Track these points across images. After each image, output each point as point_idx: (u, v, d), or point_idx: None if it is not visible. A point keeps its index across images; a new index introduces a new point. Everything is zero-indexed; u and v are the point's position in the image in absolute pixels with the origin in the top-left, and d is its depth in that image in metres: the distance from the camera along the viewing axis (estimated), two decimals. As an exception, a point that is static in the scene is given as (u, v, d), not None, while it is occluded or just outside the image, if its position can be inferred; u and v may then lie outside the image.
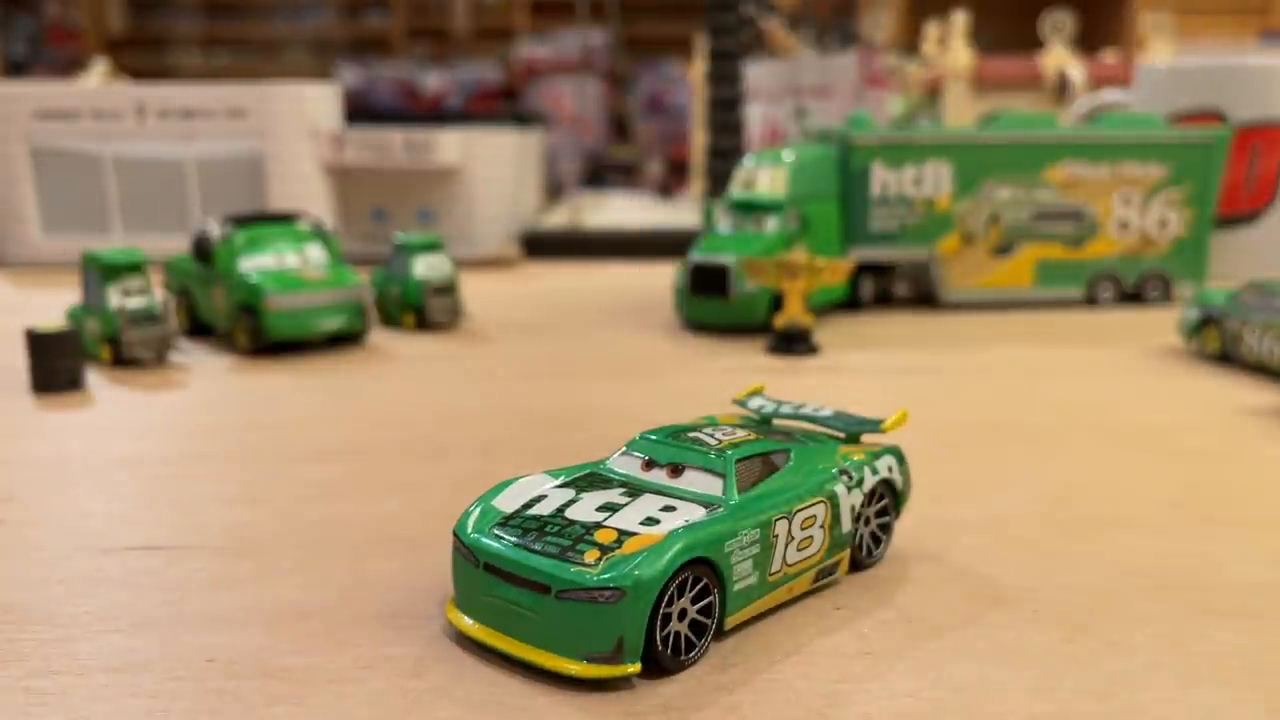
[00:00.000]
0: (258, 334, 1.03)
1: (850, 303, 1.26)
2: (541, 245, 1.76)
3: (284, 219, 1.15)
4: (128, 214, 1.64)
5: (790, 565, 0.48)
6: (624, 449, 0.52)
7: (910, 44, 2.96)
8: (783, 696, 0.42)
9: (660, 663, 0.43)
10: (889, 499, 0.55)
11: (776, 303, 1.09)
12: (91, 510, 0.64)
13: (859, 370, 0.99)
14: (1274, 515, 0.63)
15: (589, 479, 0.50)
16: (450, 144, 1.62)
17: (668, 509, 0.46)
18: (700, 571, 0.44)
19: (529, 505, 0.48)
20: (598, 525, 0.45)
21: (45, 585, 0.53)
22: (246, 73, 3.74)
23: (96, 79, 2.27)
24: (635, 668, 0.42)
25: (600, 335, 1.16)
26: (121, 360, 0.99)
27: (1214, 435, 0.78)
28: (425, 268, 1.17)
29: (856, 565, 0.53)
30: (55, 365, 0.90)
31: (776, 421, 0.59)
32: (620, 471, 0.51)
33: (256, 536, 0.59)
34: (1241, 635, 0.48)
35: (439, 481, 0.69)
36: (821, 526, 0.50)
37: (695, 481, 0.49)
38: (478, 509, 0.48)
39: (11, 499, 0.66)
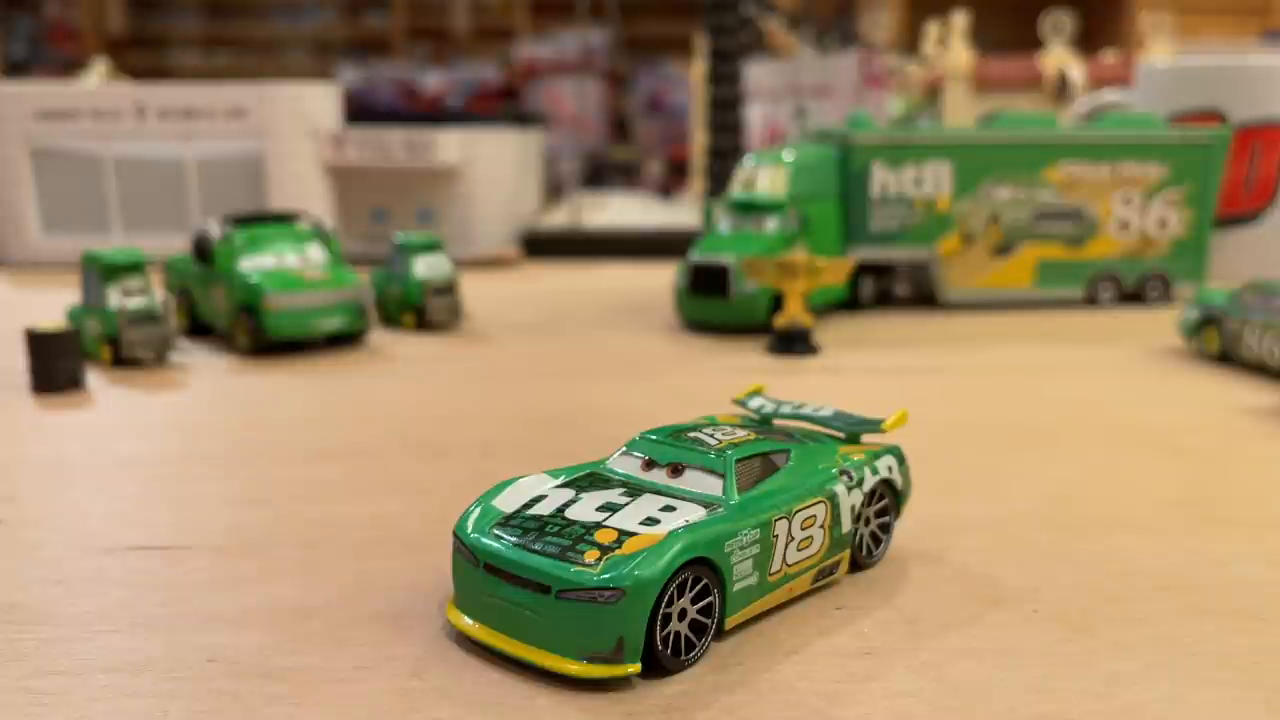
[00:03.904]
0: (258, 334, 1.03)
1: (850, 303, 1.26)
2: (541, 245, 1.76)
3: (284, 219, 1.15)
4: (128, 214, 1.64)
5: (790, 565, 0.48)
6: (624, 449, 0.52)
7: (910, 44, 2.96)
8: (783, 696, 0.42)
9: (660, 663, 0.43)
10: (889, 499, 0.55)
11: (776, 303, 1.09)
12: (91, 510, 0.64)
13: (859, 370, 0.99)
14: (1274, 515, 0.63)
15: (589, 479, 0.50)
16: (450, 144, 1.62)
17: (668, 509, 0.46)
18: (700, 571, 0.44)
19: (529, 505, 0.48)
20: (598, 525, 0.45)
21: (45, 585, 0.53)
22: (246, 73, 3.74)
23: (96, 79, 2.27)
24: (635, 668, 0.42)
25: (600, 335, 1.16)
26: (121, 360, 0.99)
27: (1214, 435, 0.78)
28: (425, 268, 1.17)
29: (856, 565, 0.53)
30: (55, 365, 0.90)
31: (776, 421, 0.59)
32: (620, 471, 0.51)
33: (256, 536, 0.59)
34: (1241, 635, 0.48)
35: (439, 481, 0.69)
36: (821, 526, 0.50)
37: (695, 481, 0.48)
38: (478, 509, 0.48)
39: (12, 499, 0.66)
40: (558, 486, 0.49)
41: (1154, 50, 2.31)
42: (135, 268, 1.01)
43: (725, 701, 0.42)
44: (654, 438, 0.52)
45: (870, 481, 0.53)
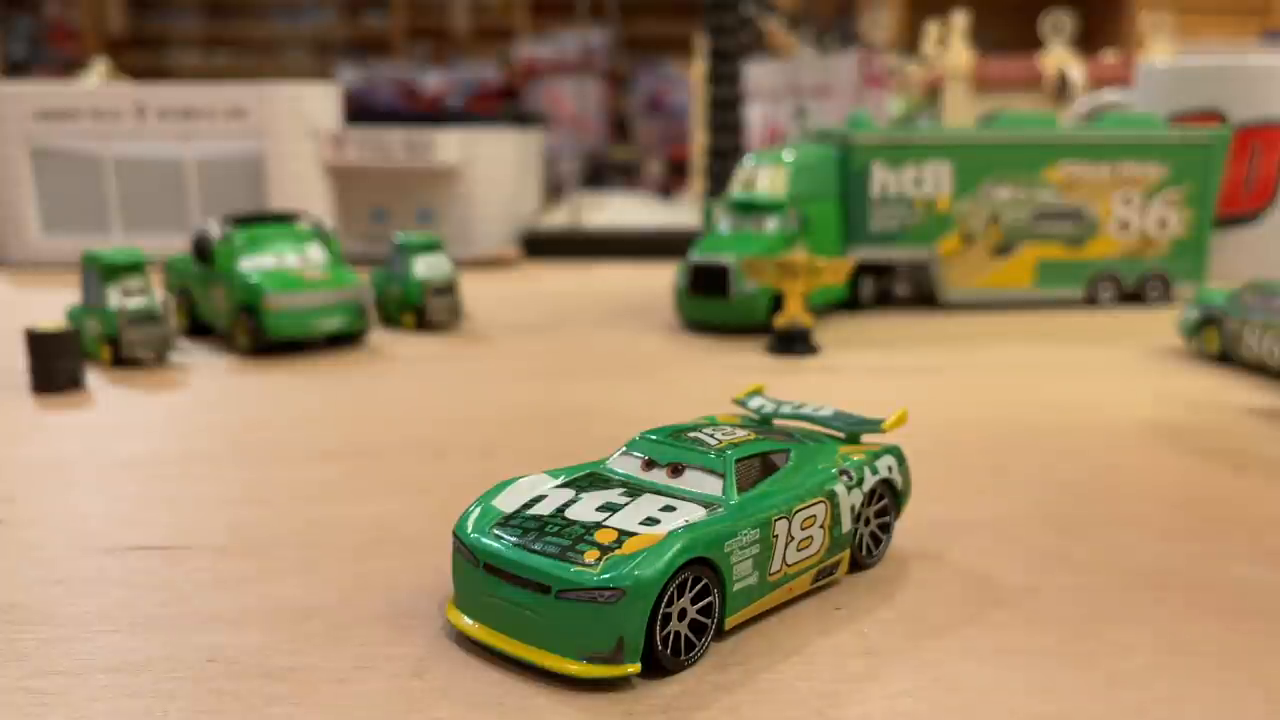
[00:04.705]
0: (258, 334, 1.03)
1: (850, 303, 1.26)
2: (541, 245, 1.76)
3: (284, 219, 1.15)
4: (128, 214, 1.64)
5: (790, 565, 0.48)
6: (624, 449, 0.52)
7: (910, 44, 2.96)
8: (783, 696, 0.42)
9: (660, 663, 0.43)
10: (889, 499, 0.55)
11: (776, 303, 1.09)
12: (91, 510, 0.64)
13: (859, 370, 0.99)
14: (1274, 515, 0.63)
15: (589, 479, 0.50)
16: (450, 144, 1.62)
17: (668, 509, 0.46)
18: (700, 571, 0.44)
19: (529, 505, 0.48)
20: (598, 525, 0.45)
21: (45, 585, 0.53)
22: (246, 73, 3.75)
23: (96, 79, 2.27)
24: (635, 668, 0.42)
25: (600, 335, 1.16)
26: (121, 360, 0.99)
27: (1214, 435, 0.78)
28: (425, 268, 1.17)
29: (856, 565, 0.53)
30: (55, 365, 0.90)
31: (776, 421, 0.59)
32: (620, 471, 0.51)
33: (256, 536, 0.59)
34: (1241, 635, 0.48)
35: (439, 481, 0.69)
36: (821, 526, 0.50)
37: (695, 481, 0.48)
38: (478, 509, 0.48)
39: (12, 499, 0.66)
40: (558, 486, 0.49)
41: (1154, 50, 2.31)
42: (135, 268, 1.01)
43: (725, 701, 0.42)
44: (654, 438, 0.52)
45: (870, 481, 0.53)
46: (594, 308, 1.31)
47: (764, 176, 1.19)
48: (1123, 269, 1.29)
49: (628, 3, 4.07)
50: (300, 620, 0.49)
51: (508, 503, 0.48)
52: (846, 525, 0.51)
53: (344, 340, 1.10)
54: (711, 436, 0.51)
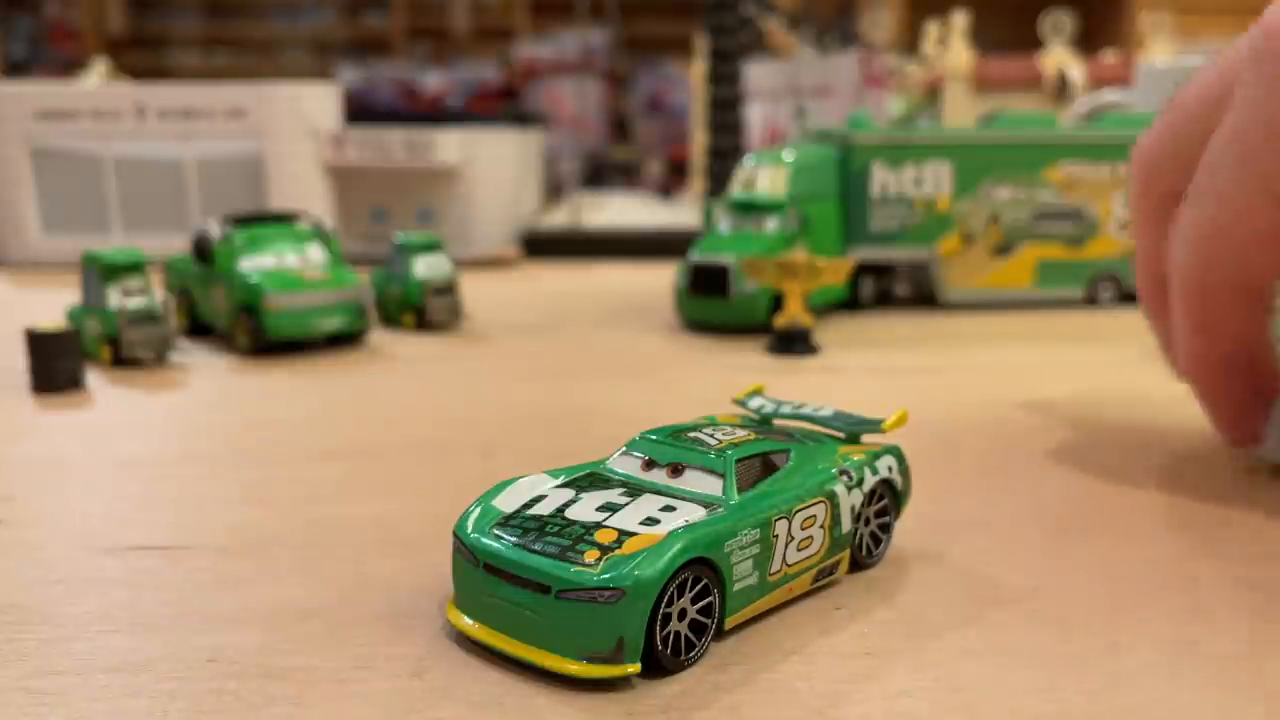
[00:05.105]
0: (258, 334, 1.03)
1: (850, 303, 1.26)
2: (541, 245, 1.76)
3: (284, 219, 1.15)
4: (128, 214, 1.64)
5: (790, 565, 0.48)
6: (624, 449, 0.52)
7: (910, 44, 2.96)
8: (783, 696, 0.42)
9: (660, 663, 0.43)
10: (889, 499, 0.55)
11: (776, 303, 1.09)
12: (91, 510, 0.64)
13: (859, 370, 0.99)
14: (1274, 515, 0.62)
15: (589, 479, 0.50)
16: (450, 144, 1.62)
17: (668, 509, 0.46)
18: (700, 571, 0.44)
19: (529, 505, 0.48)
20: (598, 525, 0.45)
21: (45, 585, 0.53)
22: (246, 73, 3.75)
23: (96, 79, 2.27)
24: (635, 668, 0.42)
25: (600, 335, 1.16)
26: (121, 360, 0.99)
27: (1214, 435, 0.78)
28: (425, 268, 1.17)
29: (856, 565, 0.53)
30: (55, 365, 0.90)
31: (776, 421, 0.59)
32: (620, 471, 0.51)
33: (256, 536, 0.59)
34: (1241, 635, 0.48)
35: (439, 481, 0.69)
36: (821, 526, 0.50)
37: (695, 481, 0.48)
38: (478, 509, 0.48)
39: (11, 499, 0.66)
40: (558, 486, 0.49)
41: (1154, 50, 2.31)
42: (135, 268, 1.01)
43: (725, 701, 0.42)
44: (654, 438, 0.52)
45: (870, 481, 0.53)
46: (594, 308, 1.31)
47: (764, 176, 1.19)
48: (1123, 269, 1.29)
49: (628, 3, 4.07)
50: (300, 620, 0.49)
51: (508, 503, 0.48)
52: (846, 525, 0.51)
53: (344, 340, 1.10)
54: (711, 436, 0.51)
